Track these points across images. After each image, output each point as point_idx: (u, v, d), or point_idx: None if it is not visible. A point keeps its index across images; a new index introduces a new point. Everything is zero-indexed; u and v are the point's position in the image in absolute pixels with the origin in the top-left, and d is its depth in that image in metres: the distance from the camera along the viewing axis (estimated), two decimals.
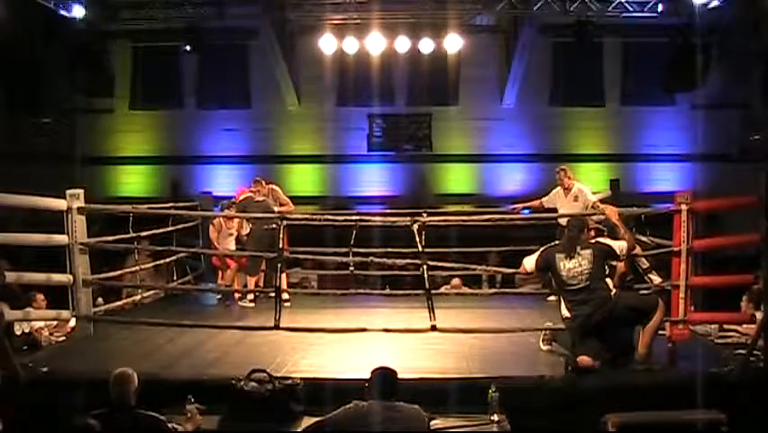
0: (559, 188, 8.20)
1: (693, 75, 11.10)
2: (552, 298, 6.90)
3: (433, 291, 5.86)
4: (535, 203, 8.50)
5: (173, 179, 12.65)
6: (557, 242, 5.46)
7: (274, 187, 8.44)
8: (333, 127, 12.80)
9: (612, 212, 5.64)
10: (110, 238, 6.98)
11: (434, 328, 5.66)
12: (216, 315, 7.56)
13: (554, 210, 8.09)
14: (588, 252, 5.12)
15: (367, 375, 3.95)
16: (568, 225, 5.56)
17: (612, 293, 5.14)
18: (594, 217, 6.52)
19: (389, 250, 7.51)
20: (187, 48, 11.16)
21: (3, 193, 5.47)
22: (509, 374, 4.89)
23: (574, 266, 5.10)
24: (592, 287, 5.06)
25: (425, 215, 7.81)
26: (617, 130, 12.77)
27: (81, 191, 6.16)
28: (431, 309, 5.70)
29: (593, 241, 5.33)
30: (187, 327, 6.23)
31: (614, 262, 5.47)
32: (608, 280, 5.26)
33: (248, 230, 8.27)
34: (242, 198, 8.18)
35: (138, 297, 7.55)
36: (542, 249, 5.46)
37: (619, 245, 5.25)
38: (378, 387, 3.84)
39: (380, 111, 12.78)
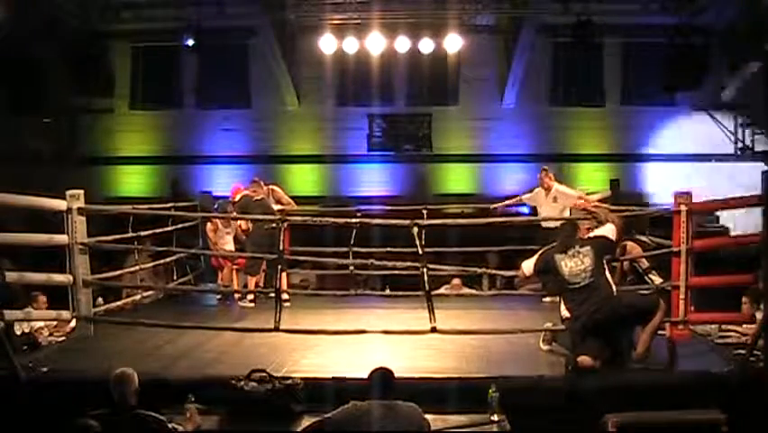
0: (541, 188, 8.32)
1: (693, 75, 11.10)
2: (547, 299, 6.94)
3: (432, 292, 5.85)
4: (514, 200, 8.79)
5: (173, 179, 12.66)
6: (554, 244, 5.44)
7: (273, 187, 8.44)
8: (333, 127, 12.81)
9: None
10: (110, 238, 6.98)
11: (434, 330, 5.65)
12: (216, 315, 7.56)
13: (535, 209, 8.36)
14: (587, 248, 5.11)
15: (366, 375, 3.95)
16: (561, 229, 5.56)
17: (614, 290, 5.13)
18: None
19: (389, 250, 7.50)
20: (189, 42, 11.11)
21: (3, 193, 5.46)
22: (509, 374, 4.88)
23: (576, 264, 5.07)
24: (595, 284, 5.03)
25: (424, 213, 7.84)
26: (617, 130, 12.77)
27: (81, 192, 6.16)
28: (431, 310, 5.69)
29: (589, 237, 5.31)
30: (186, 327, 6.23)
31: (614, 263, 5.46)
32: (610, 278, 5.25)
33: (247, 227, 8.24)
34: (239, 196, 8.16)
35: (138, 297, 7.54)
36: (540, 252, 5.45)
37: (610, 229, 5.25)
38: (376, 387, 3.85)
39: (380, 111, 12.79)
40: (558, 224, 7.69)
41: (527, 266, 5.46)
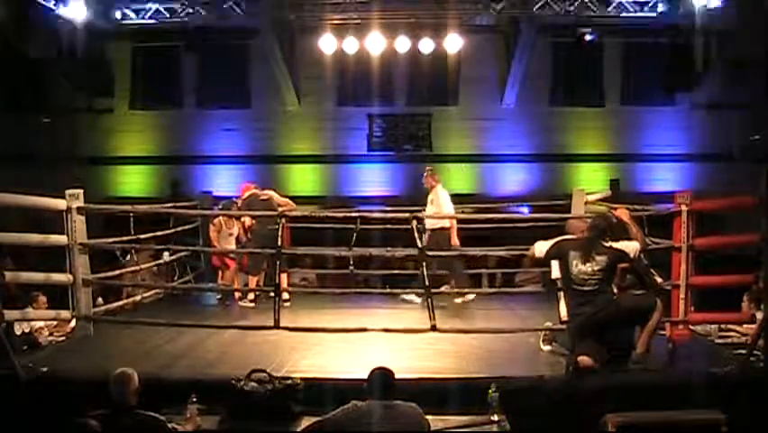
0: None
1: (693, 75, 11.11)
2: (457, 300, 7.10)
3: (433, 291, 5.85)
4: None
5: (173, 179, 12.65)
6: (575, 237, 5.36)
7: (268, 193, 8.36)
8: (333, 127, 12.80)
9: (623, 212, 5.56)
10: (110, 240, 6.98)
11: (433, 328, 5.65)
12: (216, 315, 7.56)
13: None
14: (603, 258, 4.99)
15: (366, 375, 3.95)
16: (589, 227, 5.42)
17: (615, 296, 5.11)
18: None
19: (389, 250, 7.50)
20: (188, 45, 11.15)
21: (3, 193, 5.46)
22: (509, 374, 4.89)
23: (587, 270, 4.99)
24: (598, 291, 4.99)
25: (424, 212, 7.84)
26: (617, 130, 12.77)
27: (81, 191, 6.15)
28: (431, 309, 5.69)
29: (611, 246, 5.18)
30: (186, 326, 6.23)
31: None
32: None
33: (251, 223, 8.22)
34: (246, 195, 8.16)
35: (138, 297, 7.55)
36: (557, 239, 5.35)
37: (634, 247, 5.13)
38: (376, 387, 3.85)
39: (380, 111, 12.78)
40: (436, 224, 7.74)
41: (540, 248, 5.30)
